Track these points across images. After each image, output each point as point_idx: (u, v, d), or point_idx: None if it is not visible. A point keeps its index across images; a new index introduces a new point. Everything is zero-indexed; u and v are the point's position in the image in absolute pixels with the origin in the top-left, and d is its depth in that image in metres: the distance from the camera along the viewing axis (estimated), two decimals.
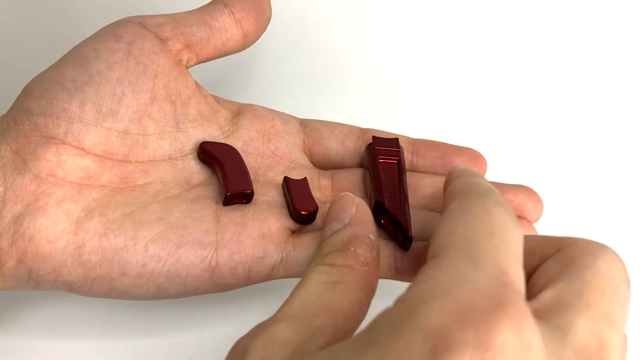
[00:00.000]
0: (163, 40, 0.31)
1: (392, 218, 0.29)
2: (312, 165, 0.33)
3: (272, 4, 0.32)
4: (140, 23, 0.31)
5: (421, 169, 0.33)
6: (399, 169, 0.32)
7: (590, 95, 0.44)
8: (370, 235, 0.25)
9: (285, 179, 0.31)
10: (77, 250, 0.27)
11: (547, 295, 0.20)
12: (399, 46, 0.44)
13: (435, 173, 0.33)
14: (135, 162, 0.30)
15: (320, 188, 0.32)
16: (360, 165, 0.34)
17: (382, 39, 0.44)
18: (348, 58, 0.44)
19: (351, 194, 0.26)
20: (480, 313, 0.16)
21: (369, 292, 0.23)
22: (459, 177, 0.23)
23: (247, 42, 0.33)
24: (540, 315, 0.19)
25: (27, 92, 0.29)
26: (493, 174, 0.33)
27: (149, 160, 0.30)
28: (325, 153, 0.34)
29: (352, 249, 0.24)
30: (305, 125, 0.34)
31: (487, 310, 0.17)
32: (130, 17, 0.31)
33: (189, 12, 0.32)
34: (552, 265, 0.21)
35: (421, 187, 0.32)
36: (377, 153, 0.32)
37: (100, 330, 0.31)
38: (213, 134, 0.32)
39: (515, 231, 0.20)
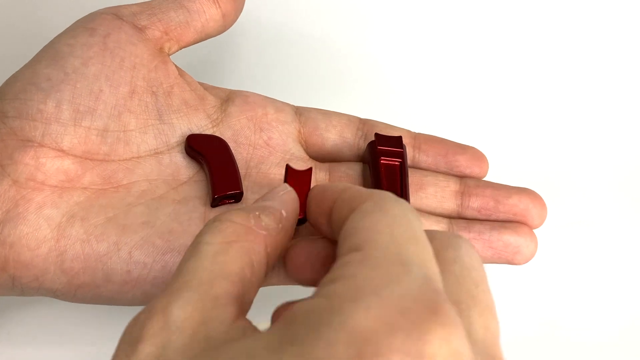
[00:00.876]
0: (140, 30, 0.29)
1: None
2: (308, 157, 0.32)
3: None
4: (114, 14, 0.29)
5: (423, 165, 0.32)
6: (402, 172, 0.30)
7: (592, 95, 0.42)
8: (283, 211, 0.23)
9: (287, 168, 0.28)
10: (59, 258, 0.26)
11: None
12: (398, 37, 0.42)
13: (437, 171, 0.32)
14: (119, 160, 0.28)
15: (317, 182, 0.31)
16: (359, 158, 0.32)
17: (381, 30, 0.42)
18: (345, 48, 0.42)
19: (287, 185, 0.25)
20: (411, 319, 0.16)
21: (265, 258, 0.22)
22: (351, 187, 0.22)
23: (226, 22, 0.31)
24: None
25: (0, 93, 0.28)
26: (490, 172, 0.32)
27: (132, 158, 0.29)
28: (322, 144, 0.32)
29: (257, 213, 0.22)
30: (300, 113, 0.32)
31: (418, 317, 0.16)
32: (104, 9, 0.30)
33: None
34: None
35: (423, 187, 0.30)
36: (379, 153, 0.30)
37: (90, 336, 0.30)
38: (200, 124, 0.30)
39: (428, 241, 0.20)
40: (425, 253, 0.19)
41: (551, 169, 0.40)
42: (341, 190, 0.22)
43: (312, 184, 0.29)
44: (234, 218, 0.22)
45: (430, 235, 0.21)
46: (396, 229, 0.19)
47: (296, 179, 0.27)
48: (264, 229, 0.22)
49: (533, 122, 0.41)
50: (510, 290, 0.35)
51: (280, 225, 0.23)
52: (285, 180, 0.28)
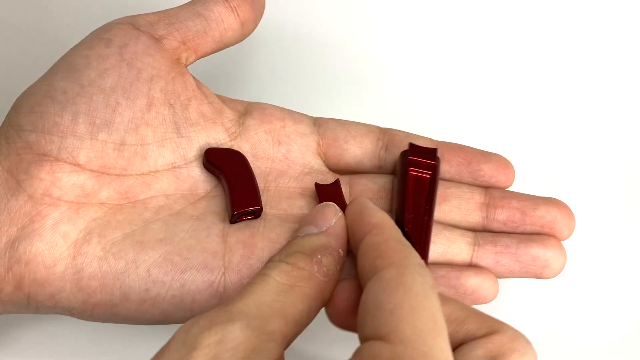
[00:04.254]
0: (157, 40, 0.29)
1: (410, 242, 0.27)
2: (327, 170, 0.31)
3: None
4: (131, 24, 0.28)
5: (447, 175, 0.31)
6: (431, 186, 0.29)
7: (595, 95, 0.41)
8: (340, 250, 0.25)
9: (316, 185, 0.29)
10: (76, 276, 0.25)
11: None
12: (418, 45, 0.42)
13: (461, 181, 0.30)
14: (136, 174, 0.28)
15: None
16: (381, 170, 0.31)
17: (400, 38, 0.42)
18: (363, 55, 0.41)
19: (336, 206, 0.26)
20: None
21: (321, 304, 0.24)
22: (382, 227, 0.24)
23: (245, 31, 0.31)
24: None
25: (17, 106, 0.27)
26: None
27: (150, 172, 0.28)
28: (342, 156, 0.31)
29: (319, 256, 0.24)
30: (319, 125, 0.31)
31: None
32: (121, 19, 0.29)
33: (181, 6, 0.30)
34: (479, 352, 0.22)
35: (447, 199, 0.30)
36: (409, 163, 0.29)
37: (102, 355, 0.30)
38: (218, 137, 0.29)
39: (444, 321, 0.21)
40: (444, 345, 0.20)
41: (553, 169, 0.39)
42: (372, 225, 0.24)
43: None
44: (299, 263, 0.24)
45: (501, 327, 0.22)
46: (419, 317, 0.20)
47: (328, 193, 0.29)
48: (325, 275, 0.24)
49: (536, 122, 0.40)
50: (512, 290, 0.34)
51: (338, 268, 0.24)
52: (319, 198, 0.29)
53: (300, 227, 0.26)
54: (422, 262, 0.22)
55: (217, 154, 0.29)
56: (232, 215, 0.27)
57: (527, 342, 0.22)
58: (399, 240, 0.23)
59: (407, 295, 0.20)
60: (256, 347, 0.20)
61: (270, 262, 0.24)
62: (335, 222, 0.26)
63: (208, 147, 0.29)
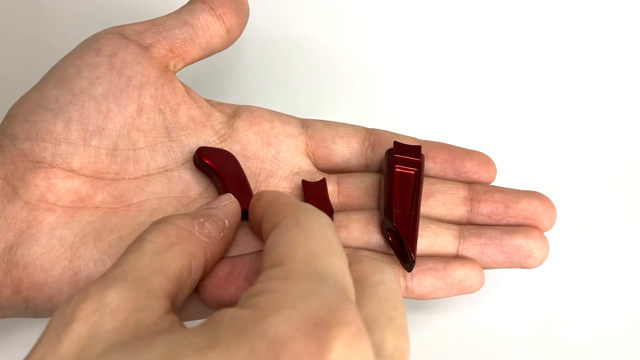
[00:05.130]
0: (146, 48, 0.29)
1: (399, 237, 0.28)
2: (316, 170, 0.32)
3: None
4: (119, 33, 0.29)
5: (431, 172, 0.32)
6: (416, 181, 0.30)
7: (592, 95, 0.42)
8: (226, 221, 0.25)
9: (303, 182, 0.30)
10: (73, 278, 0.26)
11: None
12: (400, 43, 0.42)
13: (446, 178, 0.32)
14: (129, 179, 0.29)
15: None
16: (367, 168, 0.32)
17: (382, 36, 0.43)
18: (346, 55, 0.42)
19: (232, 195, 0.27)
20: (324, 328, 0.17)
21: (202, 264, 0.23)
22: (279, 198, 0.24)
23: (231, 37, 0.31)
24: None
25: (10, 116, 0.28)
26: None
27: (142, 176, 0.29)
28: (330, 155, 0.32)
29: (201, 220, 0.24)
30: (307, 126, 0.32)
31: (330, 326, 0.18)
32: (109, 29, 0.30)
33: (167, 15, 0.30)
34: None
35: (432, 195, 0.30)
36: (395, 161, 0.30)
37: None
38: (208, 140, 0.30)
39: (343, 251, 0.21)
40: (339, 264, 0.20)
41: (551, 169, 0.40)
42: (270, 201, 0.24)
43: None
44: (178, 222, 0.23)
45: (357, 258, 0.23)
46: (313, 243, 0.20)
47: (313, 190, 0.30)
48: (206, 236, 0.24)
49: (533, 122, 0.41)
50: (511, 290, 0.35)
51: (221, 234, 0.25)
52: (304, 194, 0.29)
53: None
54: (319, 211, 0.23)
55: (210, 152, 0.29)
56: None
57: (384, 263, 0.23)
58: (295, 202, 0.23)
59: (303, 231, 0.21)
60: (137, 306, 0.20)
61: (150, 225, 0.23)
62: (226, 203, 0.26)
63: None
